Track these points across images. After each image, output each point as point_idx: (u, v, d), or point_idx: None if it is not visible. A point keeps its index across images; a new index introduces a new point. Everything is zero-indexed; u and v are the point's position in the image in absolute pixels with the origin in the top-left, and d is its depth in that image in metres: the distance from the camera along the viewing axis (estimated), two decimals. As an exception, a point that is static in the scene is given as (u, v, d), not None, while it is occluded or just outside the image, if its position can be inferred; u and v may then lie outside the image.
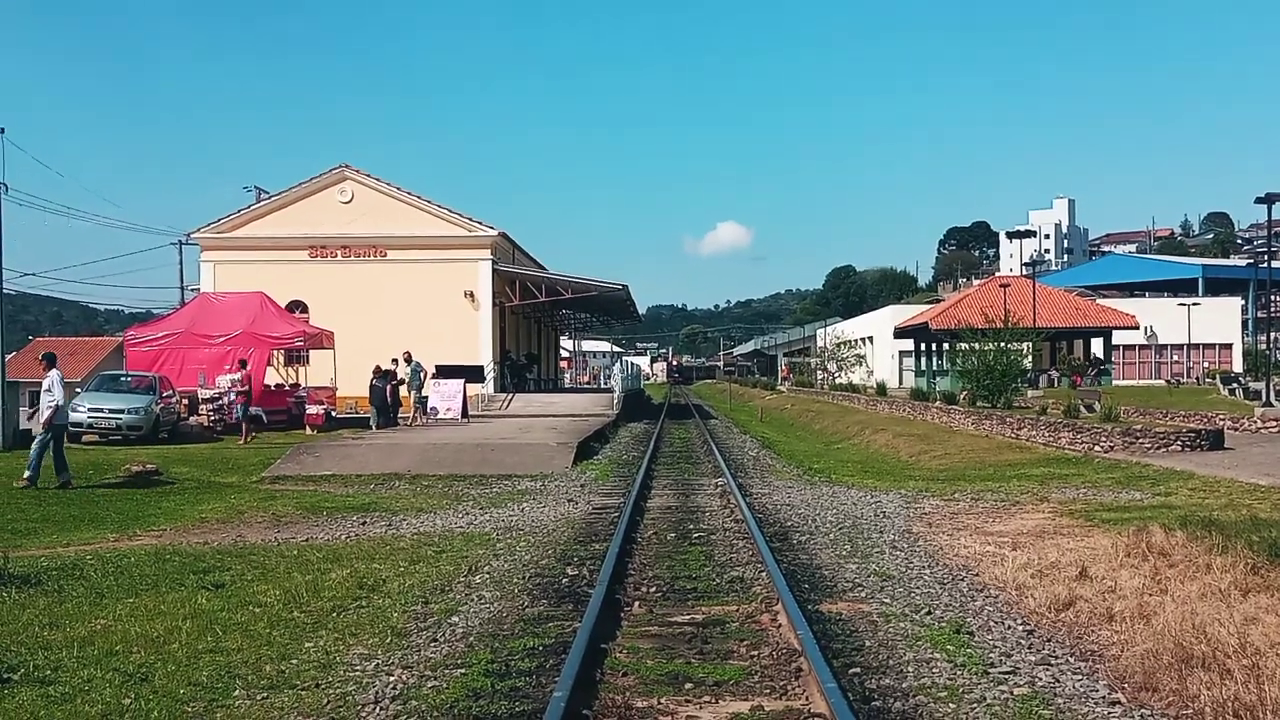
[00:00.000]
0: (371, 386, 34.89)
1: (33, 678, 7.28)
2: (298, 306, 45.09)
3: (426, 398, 36.21)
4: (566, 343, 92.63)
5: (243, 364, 31.08)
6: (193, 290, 52.33)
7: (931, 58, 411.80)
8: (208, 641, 8.27)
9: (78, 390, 33.67)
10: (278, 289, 41.39)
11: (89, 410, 29.05)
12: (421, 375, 36.23)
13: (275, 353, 37.94)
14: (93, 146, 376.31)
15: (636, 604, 9.68)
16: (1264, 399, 33.23)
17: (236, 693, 7.05)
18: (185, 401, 32.53)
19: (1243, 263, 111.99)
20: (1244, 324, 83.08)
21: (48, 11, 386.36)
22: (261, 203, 49.50)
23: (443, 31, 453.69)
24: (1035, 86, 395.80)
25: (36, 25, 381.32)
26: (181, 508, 17.20)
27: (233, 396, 31.43)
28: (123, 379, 32.00)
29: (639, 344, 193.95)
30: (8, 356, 28.38)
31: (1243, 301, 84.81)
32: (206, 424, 32.16)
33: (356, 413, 39.12)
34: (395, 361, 36.16)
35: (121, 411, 28.93)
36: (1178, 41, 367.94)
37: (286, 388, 38.56)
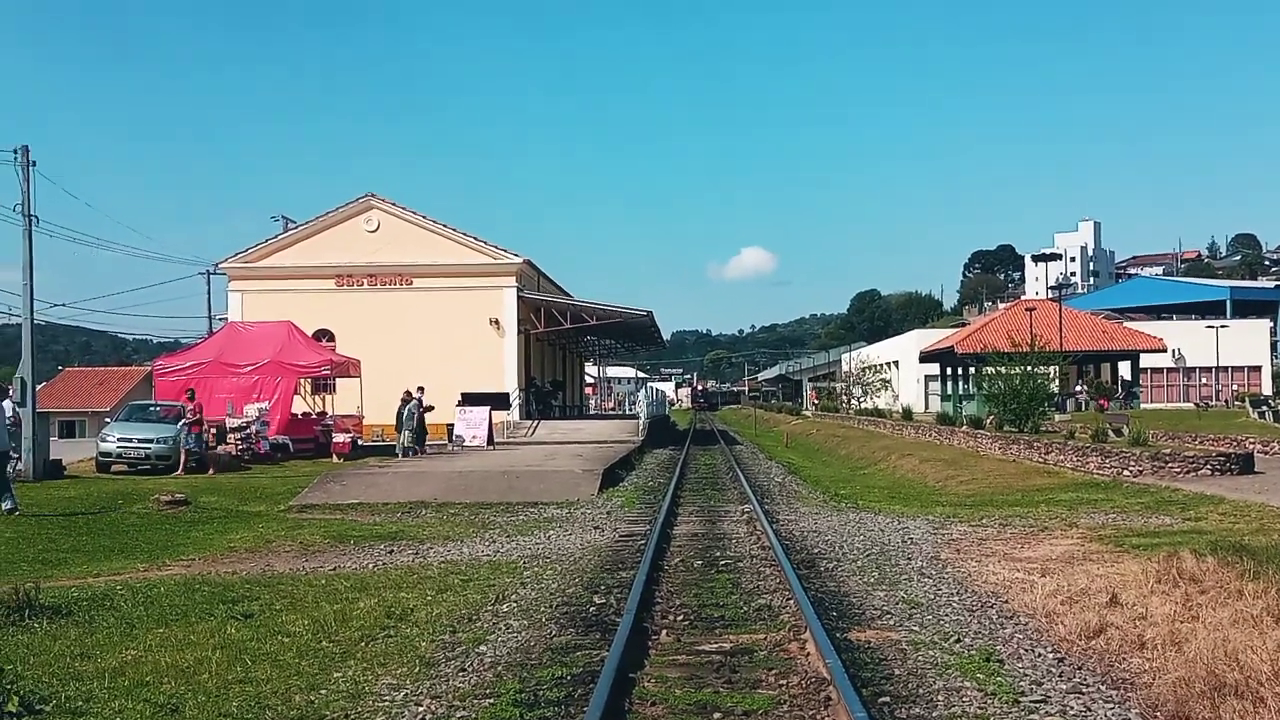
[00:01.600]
0: (399, 415, 35.01)
1: (64, 709, 7.32)
2: (324, 335, 45.31)
3: (414, 438, 34.78)
4: (591, 369, 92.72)
5: (190, 394, 30.82)
6: (220, 320, 52.68)
7: (956, 80, 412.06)
8: (237, 672, 8.30)
9: (107, 420, 33.96)
10: (305, 318, 41.64)
11: (118, 440, 29.28)
12: (417, 412, 35.32)
13: (302, 381, 38.10)
14: (121, 177, 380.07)
15: (664, 632, 9.66)
16: (1294, 422, 32.97)
17: (266, 723, 7.08)
18: (213, 431, 32.70)
19: (1271, 284, 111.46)
20: (1273, 346, 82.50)
21: (77, 44, 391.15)
22: (288, 232, 49.88)
23: (466, 59, 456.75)
24: (1060, 108, 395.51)
25: (65, 57, 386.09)
26: (210, 537, 17.28)
27: (241, 427, 31.08)
28: (151, 409, 32.23)
29: (663, 369, 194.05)
30: (38, 387, 28.58)
31: (1271, 323, 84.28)
32: (234, 453, 32.31)
33: (383, 440, 39.24)
34: (421, 389, 36.28)
35: (150, 441, 29.12)
36: (1204, 62, 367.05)
37: (313, 416, 38.75)
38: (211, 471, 28.33)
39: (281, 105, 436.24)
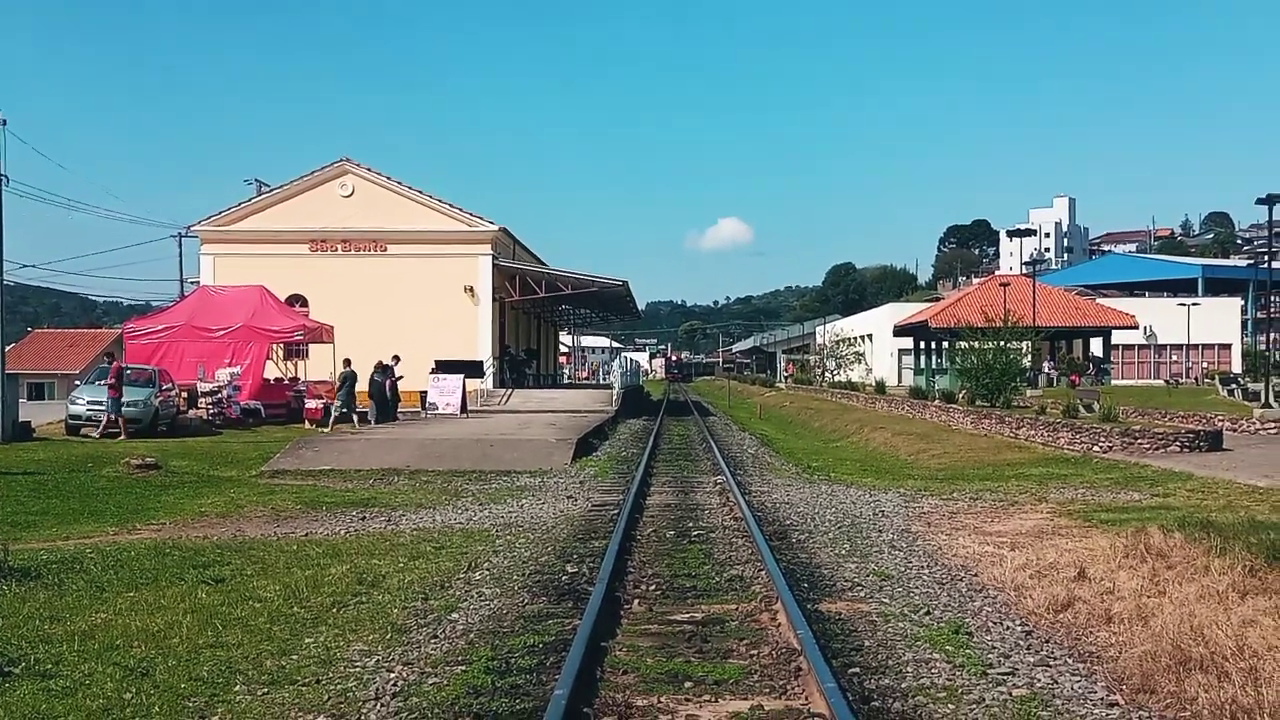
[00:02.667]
0: (371, 381, 34.89)
1: (34, 671, 7.30)
2: (297, 300, 45.04)
3: (346, 410, 32.84)
4: (566, 338, 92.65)
5: (109, 357, 30.13)
6: (192, 283, 52.30)
7: (933, 56, 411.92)
8: (208, 636, 8.29)
9: (77, 383, 33.72)
10: (278, 283, 41.37)
11: (88, 403, 29.07)
12: (382, 381, 34.47)
13: (275, 346, 37.91)
14: (93, 138, 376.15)
15: (636, 602, 9.70)
16: (1263, 400, 33.26)
17: (237, 688, 7.08)
18: (184, 395, 32.53)
19: (1243, 263, 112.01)
20: (1243, 324, 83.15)
21: (53, 10, 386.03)
22: (262, 196, 49.44)
23: (444, 25, 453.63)
24: (1036, 85, 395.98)
25: (37, 16, 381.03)
26: (181, 502, 17.21)
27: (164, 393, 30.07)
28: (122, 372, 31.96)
29: (638, 339, 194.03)
30: (7, 348, 28.32)
31: (1242, 302, 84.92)
32: (205, 417, 32.16)
33: (357, 407, 39.07)
34: (396, 359, 36.13)
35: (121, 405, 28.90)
36: (1179, 41, 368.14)
37: (286, 382, 38.58)
38: (122, 436, 27.74)
39: (258, 69, 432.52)
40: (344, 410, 32.27)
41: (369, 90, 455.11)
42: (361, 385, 34.06)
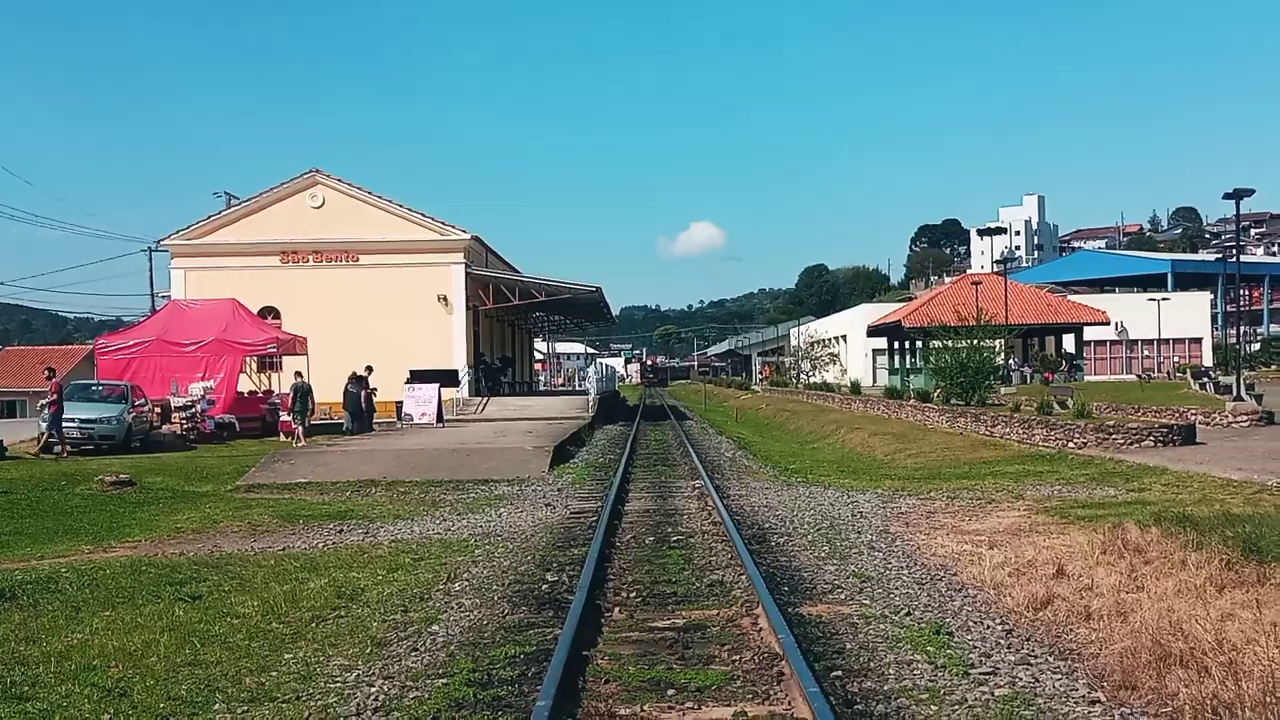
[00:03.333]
0: (346, 392, 34.76)
1: (10, 693, 7.23)
2: (270, 312, 44.85)
3: (305, 415, 32.79)
4: (540, 345, 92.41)
5: (49, 373, 29.85)
6: (163, 298, 52.03)
7: (902, 56, 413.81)
8: (186, 654, 8.22)
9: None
10: (249, 295, 41.22)
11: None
12: (311, 398, 33.44)
13: (248, 359, 37.70)
14: (62, 153, 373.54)
15: (617, 610, 9.68)
16: (1234, 393, 33.47)
17: (216, 706, 7.02)
18: (158, 410, 32.30)
19: (1211, 257, 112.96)
20: (1213, 318, 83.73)
21: (16, 16, 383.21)
22: (232, 209, 49.22)
23: (413, 35, 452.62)
24: (1005, 84, 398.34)
25: (5, 33, 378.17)
26: (156, 518, 17.09)
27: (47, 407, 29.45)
28: (94, 388, 31.75)
29: (613, 345, 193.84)
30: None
31: (1212, 296, 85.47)
32: (179, 432, 31.95)
33: (330, 419, 38.94)
34: (369, 369, 35.98)
35: (94, 421, 28.70)
36: (1146, 39, 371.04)
37: (260, 394, 38.36)
38: (65, 452, 27.43)
39: (227, 84, 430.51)
40: (299, 422, 32.33)
41: (337, 101, 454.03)
42: (335, 397, 33.89)
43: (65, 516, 17.28)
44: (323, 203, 47.79)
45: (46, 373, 29.44)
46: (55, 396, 27.86)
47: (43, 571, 12.00)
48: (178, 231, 48.01)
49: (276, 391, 38.23)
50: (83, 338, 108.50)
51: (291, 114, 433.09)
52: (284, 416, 34.27)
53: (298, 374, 34.16)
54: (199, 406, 32.94)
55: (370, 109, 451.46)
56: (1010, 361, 55.44)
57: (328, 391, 37.99)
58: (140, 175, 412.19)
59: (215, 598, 10.38)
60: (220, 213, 49.08)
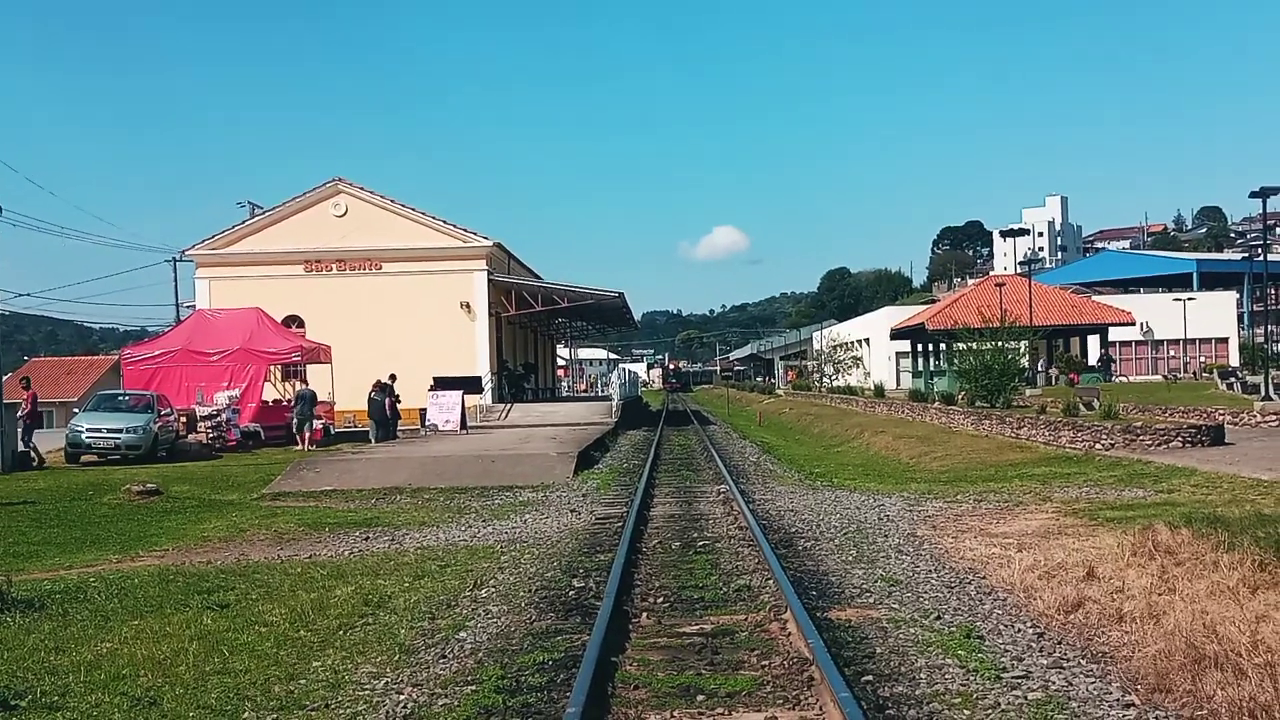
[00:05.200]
0: (370, 400, 34.86)
1: (40, 703, 7.23)
2: (294, 321, 45.04)
3: (309, 422, 33.67)
4: (563, 351, 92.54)
5: (25, 383, 29.80)
6: (188, 307, 52.27)
7: (922, 57, 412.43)
8: (215, 663, 8.23)
9: (75, 411, 33.66)
10: (273, 304, 41.38)
11: (88, 430, 29.01)
12: (315, 406, 34.33)
13: (272, 368, 37.86)
14: (86, 164, 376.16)
15: (644, 615, 9.65)
16: (1262, 393, 33.21)
17: (246, 715, 7.02)
18: (183, 419, 32.48)
19: (1237, 257, 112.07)
20: (1239, 318, 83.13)
21: (40, 28, 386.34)
22: (255, 218, 49.46)
23: (430, 39, 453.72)
24: (1026, 84, 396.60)
25: (29, 42, 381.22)
26: (183, 527, 17.15)
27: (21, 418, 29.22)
28: (120, 398, 31.95)
29: (635, 350, 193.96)
30: (4, 378, 28.25)
31: (1238, 295, 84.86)
32: (205, 441, 32.10)
33: (355, 427, 39.07)
34: (393, 377, 36.08)
35: (120, 431, 28.87)
36: (1169, 37, 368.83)
37: (284, 403, 38.50)
38: (37, 463, 27.48)
39: (249, 92, 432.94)
40: (298, 429, 32.76)
41: (358, 107, 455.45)
42: (359, 405, 34.12)
43: (93, 526, 17.36)
44: (345, 211, 47.97)
45: (22, 382, 29.57)
46: (30, 408, 27.85)
47: (71, 581, 12.05)
48: (202, 241, 48.30)
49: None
50: (108, 348, 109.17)
51: (313, 121, 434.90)
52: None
53: (303, 382, 34.40)
54: (224, 416, 33.10)
55: (391, 115, 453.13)
56: (1040, 364, 55.26)
57: (352, 399, 38.16)
58: (163, 185, 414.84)
59: (243, 606, 10.40)
60: (244, 222, 49.34)
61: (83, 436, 28.99)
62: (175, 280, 61.27)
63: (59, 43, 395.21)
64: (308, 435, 33.08)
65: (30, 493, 21.60)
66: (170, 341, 37.29)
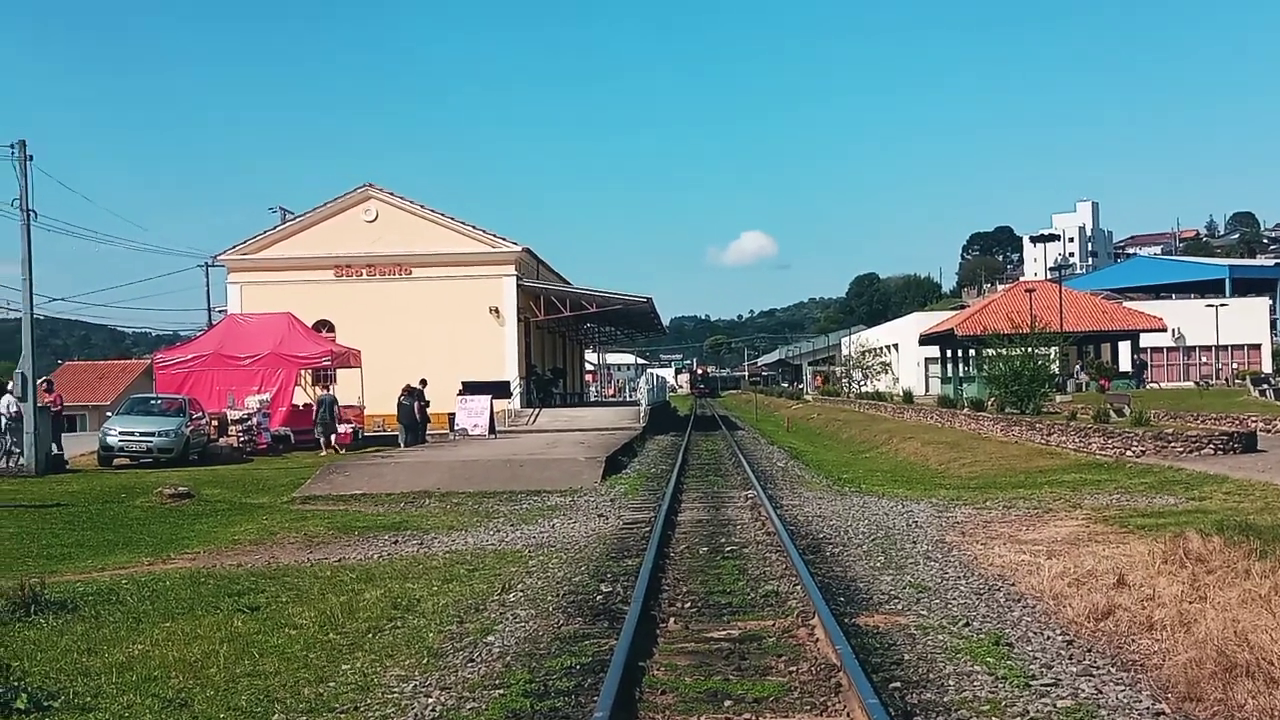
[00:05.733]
0: (399, 404, 35.01)
1: (73, 704, 7.30)
2: (324, 326, 45.29)
3: (329, 426, 34.36)
4: (591, 356, 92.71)
5: (48, 385, 29.78)
6: (220, 312, 52.69)
7: (952, 61, 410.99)
8: (245, 665, 8.29)
9: (108, 414, 33.97)
10: (304, 309, 41.63)
11: (120, 434, 29.27)
12: (336, 410, 34.96)
13: (303, 372, 38.08)
14: (118, 170, 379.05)
15: (672, 620, 9.65)
16: (1296, 400, 32.95)
17: (275, 717, 7.07)
18: (215, 423, 32.71)
19: (1270, 262, 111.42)
20: (1272, 324, 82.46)
21: (73, 39, 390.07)
22: (287, 224, 49.80)
23: (461, 47, 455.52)
24: (1056, 89, 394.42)
25: (60, 48, 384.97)
26: (214, 530, 17.27)
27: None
28: (152, 402, 32.22)
29: (663, 355, 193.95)
30: (38, 382, 28.54)
31: (1270, 301, 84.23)
32: (236, 444, 32.33)
33: (385, 431, 39.23)
34: (423, 382, 36.24)
35: (152, 434, 29.11)
36: (1199, 41, 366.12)
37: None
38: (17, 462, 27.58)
39: (279, 98, 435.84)
40: (322, 434, 32.99)
41: (388, 113, 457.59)
42: (389, 409, 34.38)
43: (125, 528, 17.50)
44: (376, 216, 48.23)
45: (44, 385, 29.67)
46: (16, 413, 27.97)
47: (104, 583, 12.15)
48: (233, 247, 48.67)
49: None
50: (141, 352, 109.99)
51: (342, 127, 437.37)
52: (340, 428, 34.66)
53: (324, 387, 34.64)
54: (255, 419, 33.31)
55: (418, 121, 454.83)
56: (1077, 367, 54.97)
57: (381, 403, 38.33)
58: (194, 190, 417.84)
59: (273, 609, 10.46)
60: (275, 228, 49.69)
61: (115, 440, 29.24)
62: (207, 285, 61.78)
63: (89, 51, 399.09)
64: (332, 440, 33.37)
65: (63, 495, 21.80)
66: (202, 346, 37.59)
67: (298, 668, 8.23)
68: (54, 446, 28.67)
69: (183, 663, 8.33)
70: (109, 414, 33.87)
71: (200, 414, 31.58)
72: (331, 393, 35.11)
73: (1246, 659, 7.25)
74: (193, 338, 46.99)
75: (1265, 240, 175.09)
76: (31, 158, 28.53)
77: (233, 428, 33.00)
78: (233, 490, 22.89)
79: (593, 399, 79.68)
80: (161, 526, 17.72)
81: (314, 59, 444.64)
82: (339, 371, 39.80)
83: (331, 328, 45.69)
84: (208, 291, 61.81)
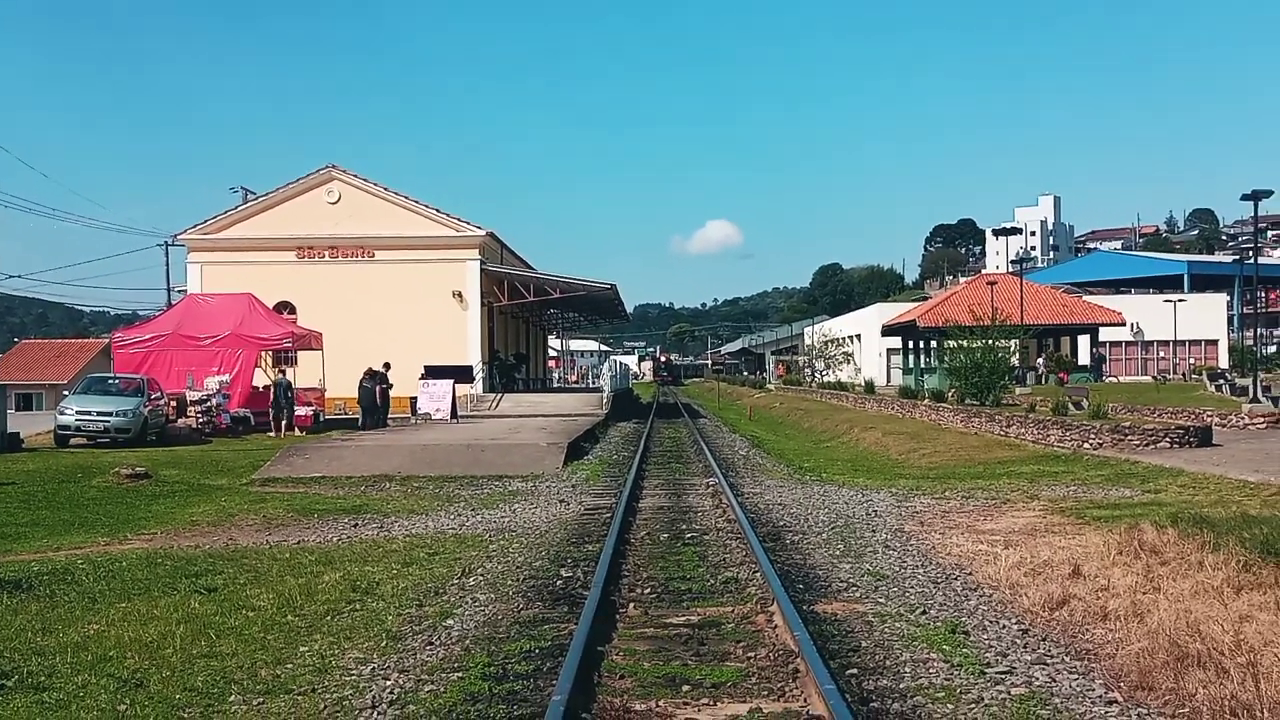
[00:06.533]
0: (361, 387, 34.85)
1: (27, 684, 7.24)
2: (285, 307, 45.00)
3: (283, 409, 34.01)
4: (554, 342, 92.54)
5: None
6: (180, 292, 52.18)
7: (918, 55, 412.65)
8: (202, 646, 8.24)
9: (65, 393, 33.58)
10: (265, 290, 41.33)
11: (76, 413, 28.94)
12: (291, 393, 34.72)
13: (263, 354, 37.81)
14: (79, 147, 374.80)
15: (631, 605, 9.67)
16: (1251, 395, 33.34)
17: (232, 698, 7.03)
18: (173, 404, 32.43)
19: (1228, 259, 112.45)
20: (1229, 320, 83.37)
21: (31, 10, 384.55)
22: (249, 204, 49.39)
23: (427, 28, 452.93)
24: (1021, 84, 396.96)
25: (19, 24, 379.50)
26: (172, 511, 17.15)
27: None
28: (110, 381, 31.87)
29: (627, 342, 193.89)
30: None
31: (1228, 298, 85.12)
32: (195, 425, 32.07)
33: (345, 414, 39.03)
34: (387, 366, 36.08)
35: (110, 414, 28.80)
36: (1163, 39, 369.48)
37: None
38: None
39: (244, 79, 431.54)
40: (275, 416, 33.25)
41: (352, 95, 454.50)
42: (351, 393, 34.24)
43: (81, 508, 17.35)
44: (339, 198, 47.92)
45: None
46: None
47: (59, 563, 12.05)
48: (194, 226, 48.24)
49: (291, 386, 38.37)
50: (99, 331, 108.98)
51: (306, 108, 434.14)
52: (299, 411, 34.46)
53: (280, 370, 34.43)
54: (214, 401, 33.05)
55: (384, 104, 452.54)
56: (1039, 361, 55.40)
57: (343, 386, 38.14)
58: (155, 168, 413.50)
59: (230, 590, 10.41)
60: (237, 208, 49.28)
61: (71, 419, 28.91)
62: (167, 264, 61.10)
63: (51, 26, 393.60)
64: (284, 422, 33.29)
65: (18, 474, 21.54)
66: (161, 325, 37.22)
67: (255, 649, 8.19)
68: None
69: (138, 643, 8.27)
70: (66, 393, 33.52)
71: (159, 394, 31.27)
72: (287, 376, 34.91)
73: (1198, 649, 7.34)
74: (152, 317, 46.47)
75: (1224, 237, 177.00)
76: (-11, 132, 28.10)
77: (191, 408, 32.73)
78: (191, 471, 22.72)
79: (556, 385, 79.52)
80: (118, 507, 17.57)
81: (283, 41, 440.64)
82: (300, 354, 39.60)
83: (293, 309, 45.40)
84: (167, 271, 61.21)
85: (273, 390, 34.40)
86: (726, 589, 10.34)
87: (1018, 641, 8.22)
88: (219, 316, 36.30)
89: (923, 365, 60.43)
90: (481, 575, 11.20)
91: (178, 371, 34.27)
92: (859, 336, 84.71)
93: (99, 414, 28.82)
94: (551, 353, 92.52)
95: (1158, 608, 8.58)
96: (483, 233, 48.24)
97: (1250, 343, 69.19)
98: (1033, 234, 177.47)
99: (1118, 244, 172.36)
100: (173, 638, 8.42)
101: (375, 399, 34.64)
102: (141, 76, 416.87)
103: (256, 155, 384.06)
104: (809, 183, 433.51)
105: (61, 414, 29.62)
